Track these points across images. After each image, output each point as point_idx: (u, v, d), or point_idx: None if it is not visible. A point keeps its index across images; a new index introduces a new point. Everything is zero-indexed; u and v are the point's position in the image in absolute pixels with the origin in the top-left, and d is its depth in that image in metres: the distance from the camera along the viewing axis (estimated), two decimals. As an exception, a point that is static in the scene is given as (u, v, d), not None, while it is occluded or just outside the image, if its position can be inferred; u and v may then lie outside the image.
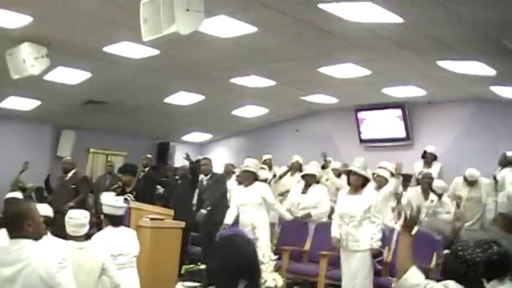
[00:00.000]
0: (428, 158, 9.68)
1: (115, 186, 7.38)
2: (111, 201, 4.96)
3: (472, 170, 8.32)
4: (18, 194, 6.17)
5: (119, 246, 4.77)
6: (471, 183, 8.19)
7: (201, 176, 8.53)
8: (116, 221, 4.90)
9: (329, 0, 5.94)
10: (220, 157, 13.85)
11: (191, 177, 8.64)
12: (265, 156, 10.70)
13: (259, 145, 13.39)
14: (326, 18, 6.45)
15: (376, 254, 5.90)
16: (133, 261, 4.92)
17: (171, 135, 14.60)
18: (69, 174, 9.05)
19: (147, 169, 9.58)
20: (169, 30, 5.46)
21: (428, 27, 6.68)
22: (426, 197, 7.47)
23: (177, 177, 9.57)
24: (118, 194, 7.22)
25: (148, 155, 10.58)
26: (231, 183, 9.02)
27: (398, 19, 6.29)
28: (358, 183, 6.06)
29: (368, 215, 5.91)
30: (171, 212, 6.88)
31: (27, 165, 9.87)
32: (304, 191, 8.01)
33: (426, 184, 7.52)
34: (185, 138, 15.06)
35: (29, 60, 7.56)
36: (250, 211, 7.11)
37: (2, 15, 6.84)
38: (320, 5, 6.09)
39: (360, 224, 5.93)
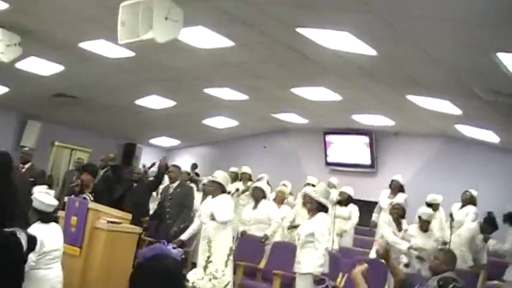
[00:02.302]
0: (394, 187, 9.71)
1: (73, 184, 7.26)
2: (43, 198, 4.88)
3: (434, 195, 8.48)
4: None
5: (53, 241, 4.72)
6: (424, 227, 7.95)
7: (167, 183, 8.48)
8: (47, 217, 4.82)
9: (307, 25, 6.02)
10: (185, 164, 13.80)
11: (154, 181, 8.65)
12: (244, 169, 10.31)
13: (227, 157, 13.39)
14: (303, 41, 6.54)
15: (317, 280, 5.86)
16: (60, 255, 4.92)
17: (139, 137, 14.50)
18: (26, 166, 8.91)
19: (104, 170, 9.41)
20: (145, 36, 5.46)
21: (401, 63, 6.83)
22: (399, 228, 7.42)
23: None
24: (77, 193, 7.17)
25: (110, 155, 10.35)
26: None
27: (372, 51, 6.42)
28: (312, 207, 6.06)
29: (311, 239, 5.89)
30: (129, 216, 6.80)
31: None
32: (254, 207, 8.05)
33: (396, 214, 7.46)
34: (153, 141, 14.99)
35: (0, 46, 7.44)
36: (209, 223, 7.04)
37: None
38: (298, 29, 6.18)
39: (303, 246, 5.95)
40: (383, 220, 8.20)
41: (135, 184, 8.77)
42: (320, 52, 6.85)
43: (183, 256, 3.57)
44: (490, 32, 5.11)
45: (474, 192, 8.62)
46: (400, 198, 9.31)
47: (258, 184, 8.39)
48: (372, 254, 7.03)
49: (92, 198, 6.96)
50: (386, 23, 5.48)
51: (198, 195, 9.33)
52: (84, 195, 6.97)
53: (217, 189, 7.06)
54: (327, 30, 6.10)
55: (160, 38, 5.48)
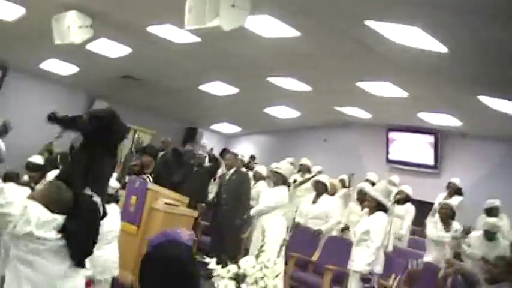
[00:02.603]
0: (451, 190, 9.42)
1: (133, 163, 7.40)
2: None
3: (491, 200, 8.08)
4: (38, 158, 6.28)
5: (111, 223, 4.79)
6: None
7: (224, 170, 8.53)
8: (107, 199, 4.90)
9: (376, 18, 5.84)
10: (245, 152, 13.84)
11: (211, 166, 8.80)
12: (303, 161, 10.23)
13: (287, 147, 13.31)
14: (370, 35, 6.36)
15: (364, 279, 5.76)
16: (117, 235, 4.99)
17: (201, 122, 14.66)
18: None
19: (162, 153, 9.53)
20: (212, 24, 5.47)
21: (473, 61, 6.54)
22: (447, 229, 7.18)
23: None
24: (136, 174, 7.32)
25: (169, 138, 10.47)
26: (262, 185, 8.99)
27: (443, 48, 6.16)
28: (370, 204, 5.97)
29: (365, 237, 5.81)
30: (186, 199, 6.89)
31: (60, 135, 10.03)
32: (314, 200, 7.97)
33: (444, 214, 7.25)
34: (214, 127, 15.11)
35: (73, 28, 7.66)
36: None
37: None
38: (366, 22, 6.01)
39: (358, 243, 5.88)
40: (429, 220, 7.94)
41: (196, 168, 8.91)
42: (388, 46, 6.66)
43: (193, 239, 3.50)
44: None
45: None
46: (455, 200, 9.02)
47: (320, 178, 8.26)
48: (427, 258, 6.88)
49: (151, 180, 7.10)
50: (462, 20, 5.23)
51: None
52: (144, 176, 7.12)
53: (278, 179, 7.06)
54: (397, 24, 5.89)
55: (227, 26, 5.47)
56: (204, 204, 8.25)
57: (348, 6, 5.77)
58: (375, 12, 5.73)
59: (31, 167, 6.16)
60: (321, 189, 8.07)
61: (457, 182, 9.22)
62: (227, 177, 8.22)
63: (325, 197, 8.03)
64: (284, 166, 7.30)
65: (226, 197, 7.99)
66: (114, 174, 7.30)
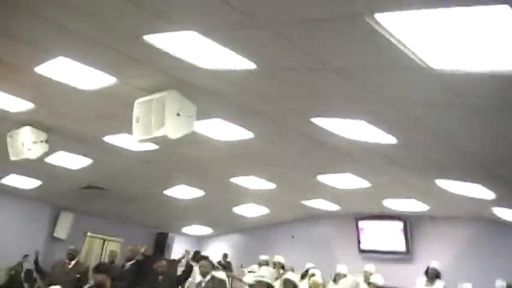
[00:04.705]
0: (431, 275, 9.24)
1: (87, 286, 7.18)
2: None
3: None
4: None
5: None
6: None
7: (199, 278, 8.21)
8: None
9: (321, 115, 5.95)
10: (219, 252, 13.57)
11: (183, 274, 8.58)
12: (277, 258, 9.96)
13: (259, 244, 13.18)
14: (319, 131, 6.46)
15: None
16: None
17: (171, 226, 14.45)
18: (72, 262, 8.93)
19: (130, 263, 9.24)
20: (158, 133, 5.49)
21: (423, 150, 6.64)
22: None
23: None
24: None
25: (137, 246, 10.12)
26: None
27: (392, 139, 6.26)
28: None
29: None
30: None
31: (26, 258, 10.01)
32: None
33: None
34: (185, 230, 14.89)
35: (27, 144, 7.63)
36: None
37: (6, 99, 6.97)
38: (312, 119, 6.11)
39: None
40: None
41: (160, 277, 8.61)
42: (338, 141, 6.75)
43: None
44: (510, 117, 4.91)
45: (501, 283, 8.21)
46: (439, 285, 8.85)
47: (289, 277, 8.00)
48: None
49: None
50: (401, 111, 5.35)
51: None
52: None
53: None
54: (341, 119, 6.00)
55: (173, 134, 5.50)
56: None
57: (292, 105, 5.87)
58: (318, 110, 5.84)
59: None
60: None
61: (435, 266, 9.09)
62: (203, 284, 7.92)
63: None
64: (267, 273, 6.91)
65: None
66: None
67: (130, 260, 9.32)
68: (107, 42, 4.87)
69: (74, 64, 5.43)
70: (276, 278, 9.24)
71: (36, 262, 9.67)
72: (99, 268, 7.28)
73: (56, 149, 8.62)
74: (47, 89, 6.22)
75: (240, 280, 8.86)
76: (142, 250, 9.20)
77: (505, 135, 5.31)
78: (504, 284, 8.26)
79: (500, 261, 9.74)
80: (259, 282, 6.62)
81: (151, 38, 4.59)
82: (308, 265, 9.82)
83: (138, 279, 8.84)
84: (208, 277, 7.83)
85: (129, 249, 9.79)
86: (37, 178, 10.95)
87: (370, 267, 9.99)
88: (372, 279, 8.62)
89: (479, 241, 10.52)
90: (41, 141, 7.78)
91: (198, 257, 10.09)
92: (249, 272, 9.26)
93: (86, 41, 4.87)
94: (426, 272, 9.31)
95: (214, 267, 9.15)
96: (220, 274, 8.89)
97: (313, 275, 9.07)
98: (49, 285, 8.38)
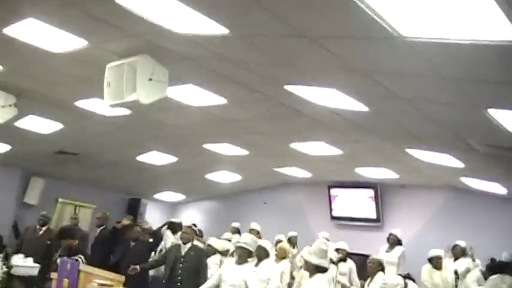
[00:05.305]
0: (391, 241, 9.42)
1: (60, 252, 7.23)
2: (21, 263, 4.76)
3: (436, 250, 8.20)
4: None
5: None
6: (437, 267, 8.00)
7: (181, 243, 8.08)
8: (32, 282, 4.68)
9: (295, 82, 5.95)
10: (191, 219, 13.63)
11: (154, 241, 8.54)
12: (253, 225, 10.13)
13: (232, 211, 13.24)
14: (292, 98, 6.47)
15: None
16: None
17: (143, 192, 14.42)
18: (44, 228, 8.93)
19: (100, 229, 9.29)
20: (130, 98, 5.43)
21: (394, 118, 6.71)
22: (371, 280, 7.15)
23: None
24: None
25: (107, 213, 10.10)
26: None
27: (363, 107, 6.31)
28: (308, 268, 5.87)
29: None
30: (122, 278, 6.59)
31: None
32: (256, 265, 7.76)
33: (369, 269, 7.21)
34: (157, 196, 14.88)
35: (-5, 107, 7.49)
36: None
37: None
38: (286, 87, 6.11)
39: None
40: None
41: (132, 243, 8.63)
42: (312, 108, 6.77)
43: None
44: (481, 88, 4.99)
45: (462, 244, 8.46)
46: (397, 251, 9.07)
47: (261, 243, 8.05)
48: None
49: (84, 261, 6.85)
50: (373, 81, 5.38)
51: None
52: (76, 257, 6.87)
53: (243, 255, 6.64)
54: (314, 87, 6.01)
55: (145, 99, 5.45)
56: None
57: (266, 72, 5.86)
58: (292, 77, 5.83)
59: None
60: (262, 254, 7.87)
61: (396, 233, 9.30)
62: (183, 251, 7.56)
63: (265, 261, 7.84)
64: (250, 240, 6.86)
65: (183, 273, 7.33)
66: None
67: (100, 226, 9.41)
68: (78, 4, 4.76)
69: (44, 26, 5.30)
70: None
71: (15, 226, 9.78)
72: (65, 233, 7.32)
73: (26, 113, 8.47)
74: (16, 51, 6.07)
75: (209, 245, 8.80)
76: (127, 223, 9.25)
77: (476, 104, 5.39)
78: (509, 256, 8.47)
79: (468, 227, 9.97)
80: (241, 248, 6.65)
81: (123, 1, 4.50)
82: (291, 233, 9.93)
83: (111, 245, 8.88)
84: (189, 245, 7.74)
85: (97, 217, 9.83)
86: (6, 143, 10.77)
87: (324, 233, 10.03)
88: (340, 245, 8.74)
89: (448, 209, 10.77)
90: (10, 105, 7.64)
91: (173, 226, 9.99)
92: (225, 239, 9.33)
93: (56, 2, 4.76)
94: (388, 239, 9.53)
95: (196, 235, 9.18)
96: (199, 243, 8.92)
97: (280, 241, 9.20)
98: (19, 250, 8.42)
